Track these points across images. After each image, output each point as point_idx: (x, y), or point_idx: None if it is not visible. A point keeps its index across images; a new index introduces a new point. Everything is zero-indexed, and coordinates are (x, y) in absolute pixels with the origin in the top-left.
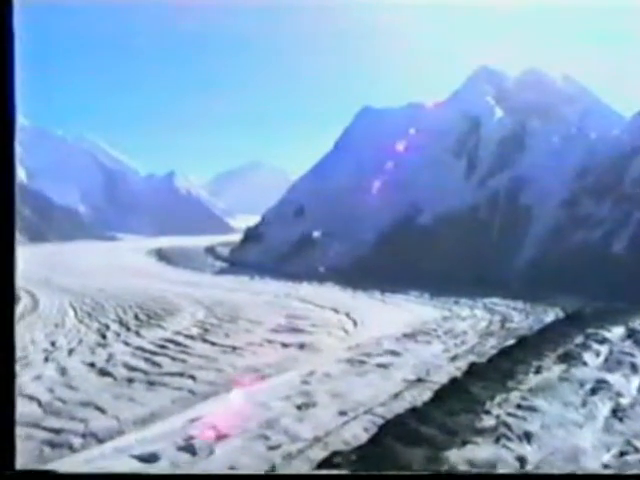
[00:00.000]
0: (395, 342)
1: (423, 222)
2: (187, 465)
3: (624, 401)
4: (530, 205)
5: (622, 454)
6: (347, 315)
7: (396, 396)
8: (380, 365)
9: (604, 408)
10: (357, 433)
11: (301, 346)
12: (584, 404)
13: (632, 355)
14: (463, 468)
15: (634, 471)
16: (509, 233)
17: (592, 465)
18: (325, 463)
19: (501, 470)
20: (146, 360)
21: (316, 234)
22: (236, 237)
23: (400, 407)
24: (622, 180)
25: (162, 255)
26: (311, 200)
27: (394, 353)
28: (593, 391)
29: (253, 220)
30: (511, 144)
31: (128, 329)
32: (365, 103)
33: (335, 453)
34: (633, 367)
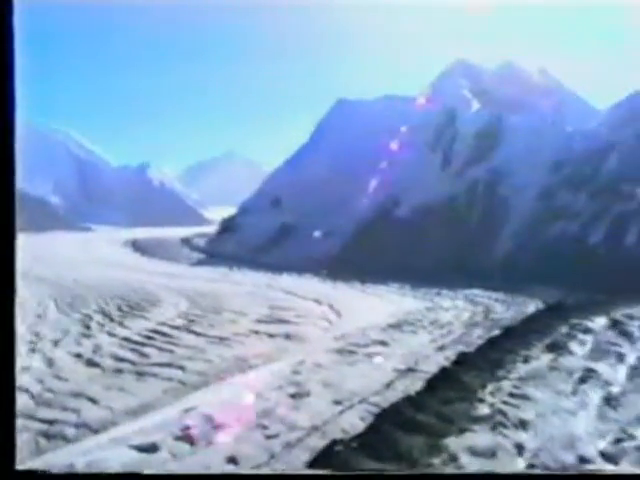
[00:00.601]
0: (382, 332)
1: (400, 214)
2: (187, 455)
3: (614, 389)
4: (507, 197)
5: (618, 441)
6: (330, 306)
7: (389, 385)
8: (369, 355)
9: (595, 396)
10: (354, 422)
11: (287, 336)
12: (575, 392)
13: (617, 345)
14: (463, 456)
15: (631, 458)
16: (487, 225)
17: (589, 452)
18: (326, 451)
19: (501, 457)
20: (133, 351)
21: (294, 226)
22: (211, 228)
23: (394, 396)
24: (599, 173)
25: (138, 246)
26: (288, 192)
27: (382, 343)
28: (583, 380)
29: (227, 211)
30: (488, 137)
31: (112, 320)
32: (338, 96)
33: (335, 441)
34: (619, 356)
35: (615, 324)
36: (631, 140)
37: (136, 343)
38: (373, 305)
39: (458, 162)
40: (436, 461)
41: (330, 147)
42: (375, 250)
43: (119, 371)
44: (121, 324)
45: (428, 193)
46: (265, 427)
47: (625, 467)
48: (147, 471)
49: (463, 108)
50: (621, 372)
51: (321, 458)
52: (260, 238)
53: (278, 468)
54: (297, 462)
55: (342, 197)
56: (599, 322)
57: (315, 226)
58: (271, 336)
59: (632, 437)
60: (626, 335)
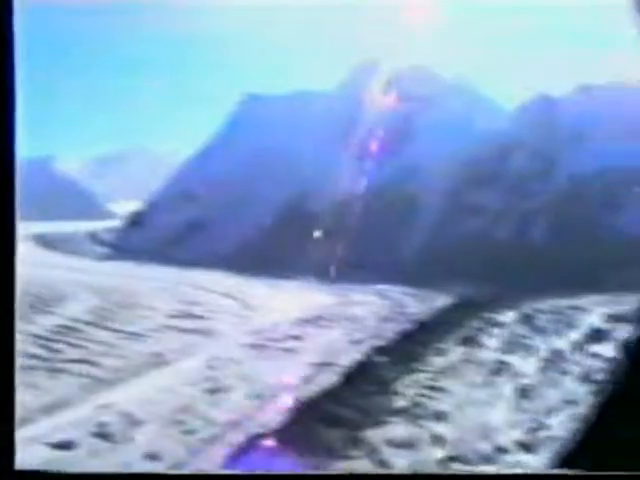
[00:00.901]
0: (296, 327)
1: (312, 208)
2: (105, 452)
3: (526, 381)
4: (418, 193)
5: (533, 430)
6: (243, 301)
7: (305, 379)
8: (285, 349)
9: (508, 388)
10: (272, 416)
11: (201, 332)
12: (489, 384)
13: (527, 337)
14: (383, 448)
15: (546, 447)
16: (397, 221)
17: (505, 442)
18: (247, 446)
19: (420, 449)
20: (44, 347)
21: (204, 221)
22: (118, 222)
23: (311, 390)
24: (507, 171)
25: (42, 241)
26: (199, 186)
27: (297, 338)
28: (496, 372)
29: (133, 205)
30: (399, 134)
31: (20, 316)
32: (246, 91)
33: (256, 436)
34: (530, 349)
35: (525, 318)
36: (538, 140)
37: (47, 339)
38: (286, 300)
39: (369, 158)
40: (357, 453)
41: (241, 142)
42: (286, 245)
43: (31, 368)
44: (30, 320)
45: (339, 188)
46: (183, 423)
47: (543, 455)
48: (64, 469)
49: (375, 105)
50: (533, 364)
51: (241, 453)
52: (170, 233)
53: (198, 464)
54: (217, 457)
55: (253, 192)
56: (510, 316)
57: (226, 221)
58: (184, 331)
59: (546, 427)
60: (536, 328)
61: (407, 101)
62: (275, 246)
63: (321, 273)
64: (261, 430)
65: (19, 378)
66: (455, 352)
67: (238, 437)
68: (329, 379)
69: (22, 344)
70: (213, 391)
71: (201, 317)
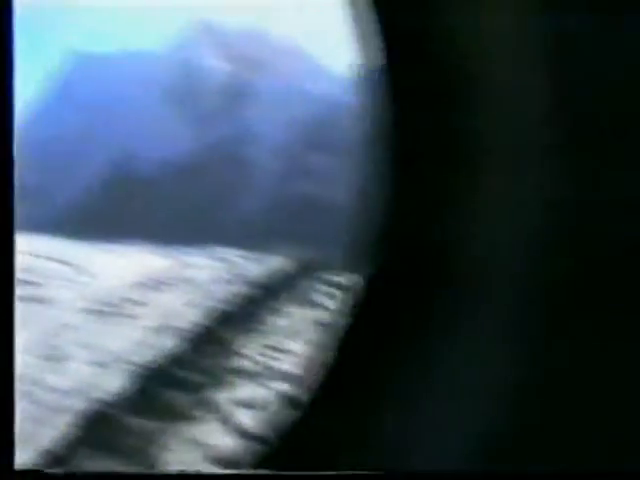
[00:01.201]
0: (134, 291)
1: (143, 171)
2: None
3: None
4: (252, 156)
5: None
6: (76, 266)
7: (146, 344)
8: (123, 315)
9: None
10: (116, 382)
11: (34, 299)
12: None
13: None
14: (230, 408)
15: None
16: (232, 184)
17: None
18: (93, 414)
19: (267, 409)
20: None
21: (33, 184)
22: None
23: (153, 354)
24: (344, 136)
25: None
26: (24, 148)
27: (135, 302)
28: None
29: None
30: (231, 96)
31: None
32: (69, 48)
33: (100, 402)
34: None
35: (364, 280)
36: (373, 106)
37: None
38: (121, 264)
39: (202, 120)
40: (204, 415)
41: (67, 102)
42: (117, 207)
43: None
44: None
45: (171, 151)
46: (24, 392)
47: None
48: None
49: (205, 66)
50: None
51: (85, 420)
52: None
53: (42, 433)
54: (60, 425)
55: (80, 154)
56: (350, 278)
57: (53, 185)
58: (17, 299)
59: None
60: None
61: (239, 64)
62: (105, 210)
63: (155, 237)
64: (105, 396)
65: None
66: (296, 314)
67: (82, 404)
68: (171, 342)
69: None
70: (52, 359)
71: (34, 284)
